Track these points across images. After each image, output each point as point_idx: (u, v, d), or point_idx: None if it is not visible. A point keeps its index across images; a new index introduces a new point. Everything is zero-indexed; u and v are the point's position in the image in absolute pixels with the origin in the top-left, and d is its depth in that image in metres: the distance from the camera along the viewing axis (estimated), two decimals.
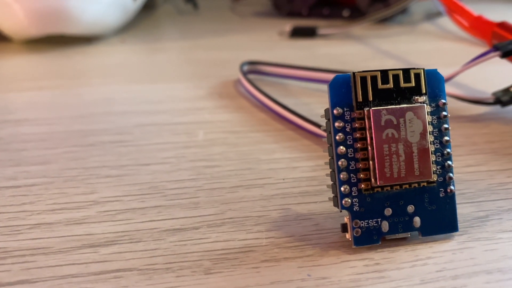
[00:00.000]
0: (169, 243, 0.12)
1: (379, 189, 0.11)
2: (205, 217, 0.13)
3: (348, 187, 0.11)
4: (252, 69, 0.24)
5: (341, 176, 0.11)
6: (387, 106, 0.11)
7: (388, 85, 0.12)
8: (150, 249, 0.12)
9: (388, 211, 0.11)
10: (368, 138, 0.11)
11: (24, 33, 0.30)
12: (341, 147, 0.11)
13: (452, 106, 0.20)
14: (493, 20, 0.22)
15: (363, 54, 0.29)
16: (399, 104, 0.12)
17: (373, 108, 0.11)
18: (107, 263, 0.11)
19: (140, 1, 0.35)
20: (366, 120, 0.11)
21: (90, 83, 0.24)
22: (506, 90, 0.19)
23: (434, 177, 0.12)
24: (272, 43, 0.32)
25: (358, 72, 0.11)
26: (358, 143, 0.11)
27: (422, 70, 0.12)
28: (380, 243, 0.11)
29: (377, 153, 0.11)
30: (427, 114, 0.12)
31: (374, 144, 0.11)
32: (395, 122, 0.11)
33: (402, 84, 0.12)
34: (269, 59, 0.24)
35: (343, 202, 0.11)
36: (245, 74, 0.22)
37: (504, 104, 0.19)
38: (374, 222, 0.11)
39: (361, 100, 0.11)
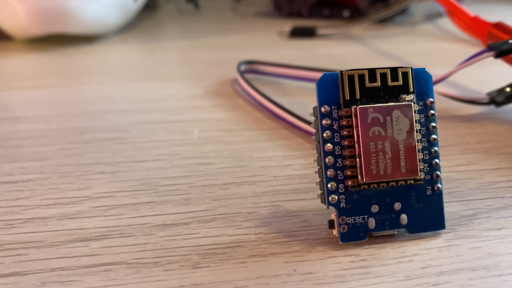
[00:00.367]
0: (158, 238, 0.12)
1: (366, 186, 0.11)
2: (196, 213, 0.13)
3: (335, 184, 0.11)
4: (249, 68, 0.24)
5: (328, 173, 0.11)
6: (374, 104, 0.12)
7: (375, 84, 0.12)
8: (140, 244, 0.12)
9: (375, 208, 0.12)
10: (355, 136, 0.11)
11: (25, 32, 0.30)
12: (328, 144, 0.11)
13: (447, 106, 0.20)
14: (490, 20, 0.22)
15: (361, 54, 0.29)
16: (387, 102, 0.12)
17: (359, 106, 0.11)
18: (97, 256, 0.11)
19: (141, 1, 0.36)
20: (353, 118, 0.11)
21: (89, 82, 0.25)
22: (501, 90, 0.19)
23: (421, 175, 0.12)
24: (271, 43, 0.32)
25: (345, 70, 0.12)
26: (345, 141, 0.11)
27: (409, 69, 0.12)
28: (366, 239, 0.12)
29: (363, 151, 0.11)
30: (415, 112, 0.12)
31: (360, 142, 0.11)
32: (381, 120, 0.11)
33: (390, 83, 0.12)
34: (268, 59, 0.24)
35: (330, 198, 0.11)
36: (242, 73, 0.23)
37: (498, 104, 0.19)
38: (361, 219, 0.12)
39: (348, 98, 0.12)
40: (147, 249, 0.12)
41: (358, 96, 0.12)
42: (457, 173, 0.15)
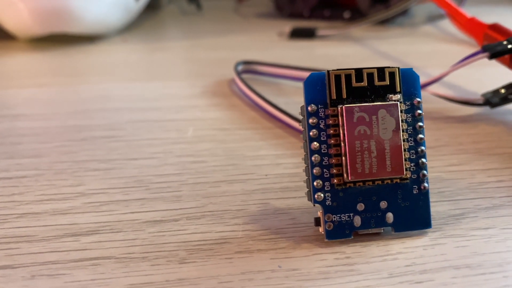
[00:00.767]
0: (148, 234, 0.12)
1: (352, 185, 0.12)
2: (186, 210, 0.13)
3: (321, 182, 0.12)
4: (247, 68, 0.24)
5: (314, 171, 0.12)
6: (360, 103, 0.12)
7: (362, 83, 0.12)
8: (129, 239, 0.12)
9: (360, 206, 0.12)
10: (341, 135, 0.12)
11: (28, 32, 0.30)
12: (315, 143, 0.12)
13: (442, 106, 0.20)
14: (490, 22, 0.22)
15: (360, 55, 0.29)
16: (373, 102, 0.12)
17: (345, 105, 0.11)
18: (86, 251, 0.12)
19: (142, 1, 0.36)
20: (339, 117, 0.12)
21: (88, 81, 0.25)
22: (496, 92, 0.19)
23: (408, 174, 0.12)
24: (271, 43, 0.32)
25: (332, 70, 0.12)
26: (331, 139, 0.12)
27: (396, 69, 0.12)
28: (352, 237, 0.12)
29: (349, 149, 0.11)
30: (401, 112, 0.12)
31: (346, 141, 0.11)
32: (367, 119, 0.12)
33: (377, 83, 0.12)
34: (268, 59, 0.25)
35: (316, 196, 0.12)
36: (239, 73, 0.23)
37: (493, 105, 0.19)
38: (347, 217, 0.12)
39: (335, 98, 0.12)
40: (136, 244, 0.12)
41: (344, 96, 0.12)
42: (448, 173, 0.15)
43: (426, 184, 0.12)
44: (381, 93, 0.12)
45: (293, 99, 0.22)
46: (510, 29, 0.20)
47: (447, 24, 0.35)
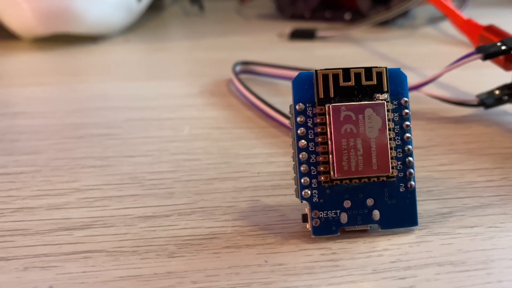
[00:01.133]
0: (139, 229, 0.12)
1: (338, 182, 0.12)
2: (177, 206, 0.14)
3: (308, 179, 0.12)
4: (245, 69, 0.24)
5: (302, 168, 0.12)
6: (348, 102, 0.12)
7: (349, 83, 0.12)
8: (120, 234, 0.12)
9: (347, 203, 0.12)
10: (328, 133, 0.12)
11: (32, 32, 0.31)
12: (303, 140, 0.12)
13: (436, 107, 0.20)
14: (491, 24, 0.22)
15: (359, 56, 0.29)
16: (360, 101, 0.12)
17: (332, 104, 0.12)
18: (79, 244, 0.12)
19: (145, 2, 0.36)
20: (326, 116, 0.12)
21: (88, 80, 0.25)
22: (490, 93, 0.19)
23: (394, 172, 0.12)
24: (271, 44, 0.33)
25: (320, 70, 0.12)
26: (319, 138, 0.12)
27: (384, 69, 0.12)
28: (339, 234, 0.12)
29: (335, 147, 0.12)
30: (388, 111, 0.12)
31: (333, 139, 0.12)
32: (354, 118, 0.12)
33: (364, 82, 0.12)
34: (267, 59, 0.25)
35: (303, 193, 0.12)
36: (236, 73, 0.23)
37: (487, 106, 0.19)
38: (333, 214, 0.12)
39: (322, 97, 0.12)
40: (127, 238, 0.12)
41: (332, 95, 0.12)
42: (438, 172, 0.15)
43: (412, 183, 0.12)
44: (369, 93, 0.12)
45: (289, 99, 0.22)
46: (505, 31, 0.20)
47: (448, 26, 0.35)
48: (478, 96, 0.19)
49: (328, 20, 0.39)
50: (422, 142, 0.17)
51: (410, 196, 0.12)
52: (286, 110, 0.19)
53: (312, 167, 0.12)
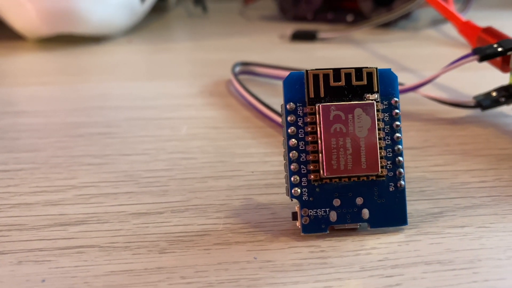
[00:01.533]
0: (132, 225, 0.13)
1: (328, 180, 0.12)
2: (171, 203, 0.14)
3: (298, 177, 0.12)
4: (244, 69, 0.25)
5: (292, 167, 0.12)
6: (338, 102, 0.12)
7: (340, 83, 0.12)
8: (114, 229, 0.13)
9: (336, 202, 0.12)
10: (318, 132, 0.12)
11: (36, 32, 0.31)
12: (293, 139, 0.12)
13: (433, 108, 0.21)
14: (494, 26, 0.22)
15: (359, 57, 0.30)
16: (350, 101, 0.12)
17: (322, 104, 0.12)
18: (73, 240, 0.12)
19: (148, 3, 0.37)
20: (317, 115, 0.12)
21: (90, 80, 0.26)
22: (487, 94, 0.19)
23: (384, 172, 0.12)
24: (272, 45, 0.33)
25: (311, 70, 0.12)
26: (309, 137, 0.12)
27: (374, 69, 0.12)
28: (328, 232, 0.12)
29: (324, 146, 0.12)
30: (378, 111, 0.12)
31: (322, 138, 0.12)
32: (343, 118, 0.12)
33: (354, 82, 0.12)
34: (268, 60, 0.25)
35: (293, 191, 0.12)
36: (236, 74, 0.23)
37: (484, 108, 0.19)
38: (323, 212, 0.12)
39: (313, 96, 0.12)
40: (120, 234, 0.12)
41: (322, 95, 0.12)
42: (432, 173, 0.15)
43: (402, 182, 0.12)
44: (359, 93, 0.12)
45: None
46: (502, 33, 0.20)
47: (450, 28, 0.35)
48: (475, 97, 0.19)
49: (330, 22, 0.39)
50: (417, 143, 0.18)
51: (399, 195, 0.12)
52: None
53: (302, 166, 0.12)
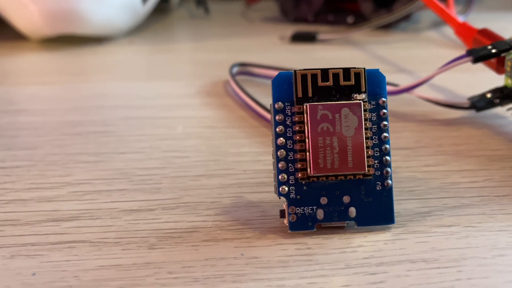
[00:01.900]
0: (123, 222, 0.13)
1: (315, 179, 0.12)
2: (162, 200, 0.14)
3: (285, 176, 0.12)
4: (242, 70, 0.25)
5: (280, 165, 0.12)
6: (325, 102, 0.12)
7: (327, 83, 0.12)
8: (105, 226, 0.13)
9: (323, 200, 0.12)
10: (306, 131, 0.12)
11: (39, 32, 0.32)
12: (281, 138, 0.12)
13: (428, 109, 0.21)
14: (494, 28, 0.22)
15: (358, 58, 0.30)
16: (338, 100, 0.12)
17: (309, 104, 0.12)
18: (65, 235, 0.12)
19: (150, 4, 0.37)
20: (304, 114, 0.12)
21: (90, 80, 0.26)
22: (482, 96, 0.20)
23: (370, 171, 0.12)
24: (272, 46, 0.33)
25: (299, 70, 0.12)
26: (297, 136, 0.12)
27: (362, 70, 0.13)
28: (315, 229, 0.12)
29: (311, 145, 0.12)
30: (365, 111, 0.12)
31: (309, 137, 0.12)
32: (330, 117, 0.12)
33: (342, 82, 0.12)
34: (267, 61, 0.25)
35: (281, 189, 0.12)
36: (233, 74, 0.24)
37: (478, 109, 0.19)
38: (310, 210, 0.12)
39: (301, 96, 0.12)
40: (111, 230, 0.13)
41: (310, 94, 0.12)
42: (423, 173, 0.16)
43: (389, 181, 0.13)
44: (346, 93, 0.12)
45: None
46: (498, 34, 0.20)
47: (451, 30, 0.35)
48: (470, 99, 0.20)
49: (331, 23, 0.39)
50: (410, 144, 0.18)
51: (386, 194, 0.13)
52: None
53: (290, 164, 0.12)
